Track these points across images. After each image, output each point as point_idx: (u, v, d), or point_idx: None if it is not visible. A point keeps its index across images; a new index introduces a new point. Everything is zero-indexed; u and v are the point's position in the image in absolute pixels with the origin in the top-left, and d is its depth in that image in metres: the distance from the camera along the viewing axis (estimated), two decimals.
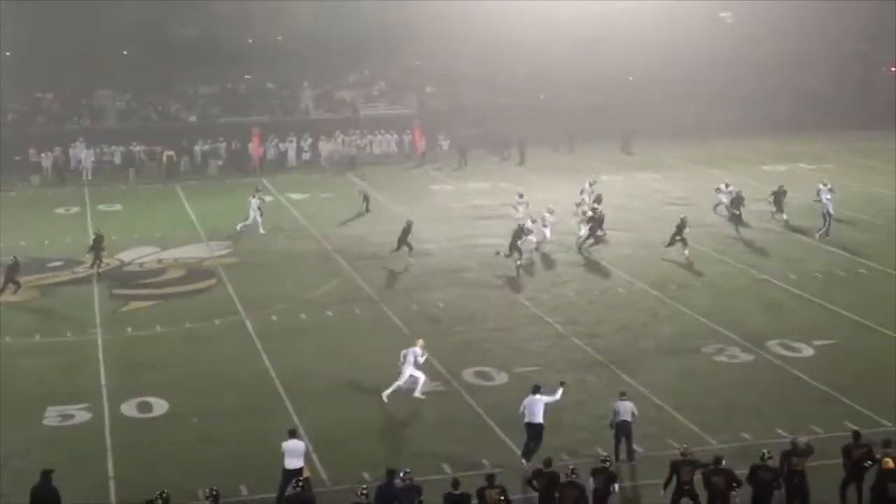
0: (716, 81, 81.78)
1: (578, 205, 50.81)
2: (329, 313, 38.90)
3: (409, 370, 30.75)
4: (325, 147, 71.53)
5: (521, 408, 26.89)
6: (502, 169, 67.44)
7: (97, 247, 43.92)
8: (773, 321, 37.28)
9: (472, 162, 68.55)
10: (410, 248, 44.69)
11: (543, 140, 71.13)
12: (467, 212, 54.43)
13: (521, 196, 51.21)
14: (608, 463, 24.04)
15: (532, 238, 45.30)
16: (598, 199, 50.03)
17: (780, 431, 28.01)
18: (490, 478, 23.16)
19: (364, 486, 22.78)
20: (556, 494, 23.02)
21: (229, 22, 78.40)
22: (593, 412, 29.85)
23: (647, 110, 78.24)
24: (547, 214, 47.57)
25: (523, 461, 26.36)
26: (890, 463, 23.07)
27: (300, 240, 49.60)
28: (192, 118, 75.95)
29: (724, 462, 23.51)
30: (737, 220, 49.18)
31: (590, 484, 23.31)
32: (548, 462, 23.96)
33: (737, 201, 49.95)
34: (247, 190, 55.14)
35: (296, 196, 59.81)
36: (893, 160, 67.11)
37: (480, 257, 45.76)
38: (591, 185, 53.42)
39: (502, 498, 22.55)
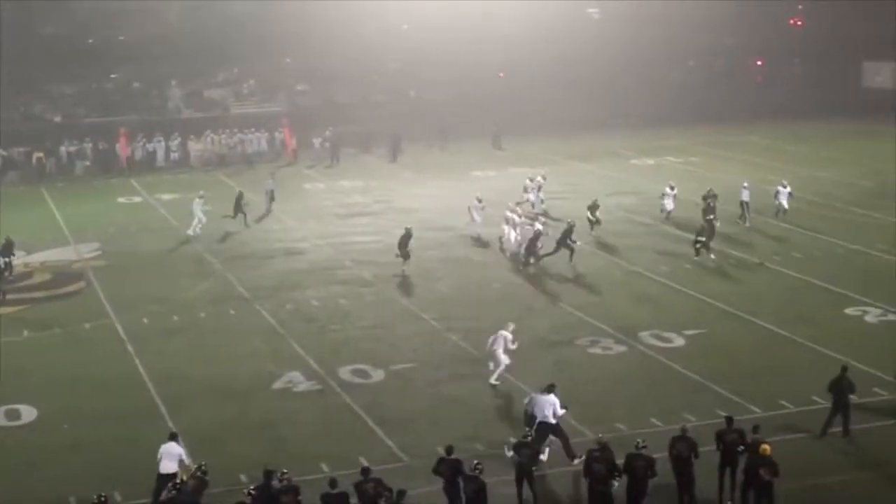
0: (584, 76, 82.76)
1: (520, 203, 49.52)
2: (202, 314, 38.47)
3: (502, 353, 31.29)
4: (194, 146, 70.66)
5: (532, 404, 26.86)
6: (375, 167, 67.36)
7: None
8: (645, 313, 37.88)
9: (345, 160, 68.36)
10: (407, 256, 43.03)
11: (416, 137, 71.22)
12: (340, 210, 54.28)
13: (479, 201, 49.71)
14: (529, 437, 24.75)
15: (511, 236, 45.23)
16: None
17: (654, 421, 28.48)
18: (365, 471, 23.25)
19: (252, 487, 22.60)
20: (461, 484, 23.21)
21: (95, 20, 77.01)
22: (470, 407, 30.03)
23: (518, 106, 78.87)
24: (476, 202, 47.92)
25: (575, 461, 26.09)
26: (767, 449, 23.66)
27: (171, 241, 48.95)
28: (57, 118, 74.39)
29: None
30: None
31: (514, 458, 24.19)
32: (449, 449, 24.16)
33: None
34: (115, 191, 54.20)
35: (165, 197, 59.01)
36: (759, 153, 68.71)
37: (354, 255, 45.71)
38: (531, 180, 52.80)
39: (380, 489, 22.67)
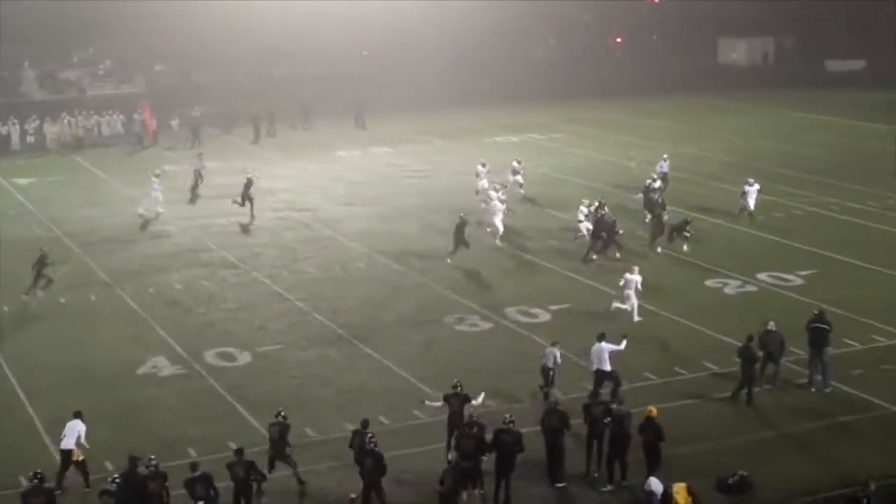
0: (447, 54, 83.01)
1: (504, 186, 48.45)
2: (62, 300, 37.75)
3: (633, 295, 34.23)
4: (50, 129, 69.11)
5: (591, 356, 28.47)
6: (237, 147, 66.69)
7: None
8: (511, 289, 38.23)
9: (206, 140, 67.48)
10: (467, 244, 41.58)
11: (279, 116, 70.63)
12: (203, 191, 53.59)
13: (483, 165, 50.10)
14: (459, 388, 25.44)
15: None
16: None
17: (520, 396, 28.82)
18: (238, 452, 23.21)
19: (116, 475, 22.32)
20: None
21: None
22: (338, 387, 30.05)
23: (381, 84, 78.78)
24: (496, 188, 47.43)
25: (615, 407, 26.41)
26: (653, 411, 24.58)
27: (28, 226, 47.85)
28: None
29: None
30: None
31: (444, 408, 25.29)
32: (365, 423, 24.24)
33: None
34: None
35: (21, 181, 57.64)
36: (621, 129, 69.69)
37: (218, 237, 45.27)
38: (520, 163, 51.56)
39: (250, 474, 22.64)
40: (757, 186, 45.30)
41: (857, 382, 29.36)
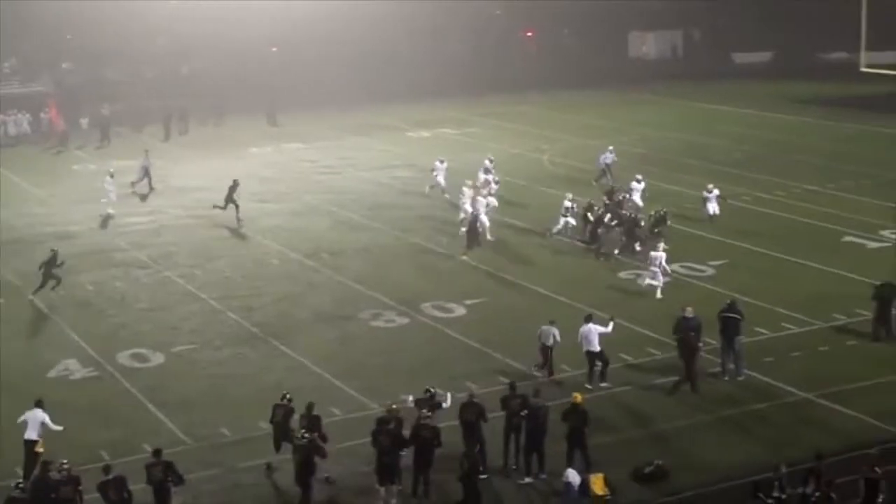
0: (359, 49, 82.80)
1: (478, 186, 47.04)
2: None
3: (659, 273, 35.99)
4: None
5: (579, 337, 29.36)
6: (148, 145, 65.83)
7: None
8: (425, 284, 38.26)
9: (116, 139, 66.65)
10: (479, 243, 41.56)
11: (190, 113, 69.92)
12: (130, 189, 52.82)
13: (441, 162, 50.15)
14: (473, 397, 25.53)
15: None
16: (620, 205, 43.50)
17: (437, 390, 28.79)
18: (156, 453, 22.97)
19: (20, 480, 21.95)
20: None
21: None
22: (253, 385, 29.85)
23: (293, 81, 78.41)
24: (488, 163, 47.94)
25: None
26: (578, 397, 24.98)
27: None
28: None
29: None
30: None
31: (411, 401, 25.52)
32: (310, 406, 24.56)
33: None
34: None
35: None
36: (534, 122, 70.05)
37: (130, 237, 44.74)
38: (491, 162, 50.71)
39: (168, 476, 22.42)
40: (716, 192, 44.59)
41: (768, 370, 29.80)
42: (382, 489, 23.51)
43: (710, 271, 38.75)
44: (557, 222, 42.94)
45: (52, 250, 38.09)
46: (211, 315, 35.62)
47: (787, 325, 33.14)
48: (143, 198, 51.29)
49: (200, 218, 47.03)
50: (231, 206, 46.30)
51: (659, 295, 35.94)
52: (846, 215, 44.47)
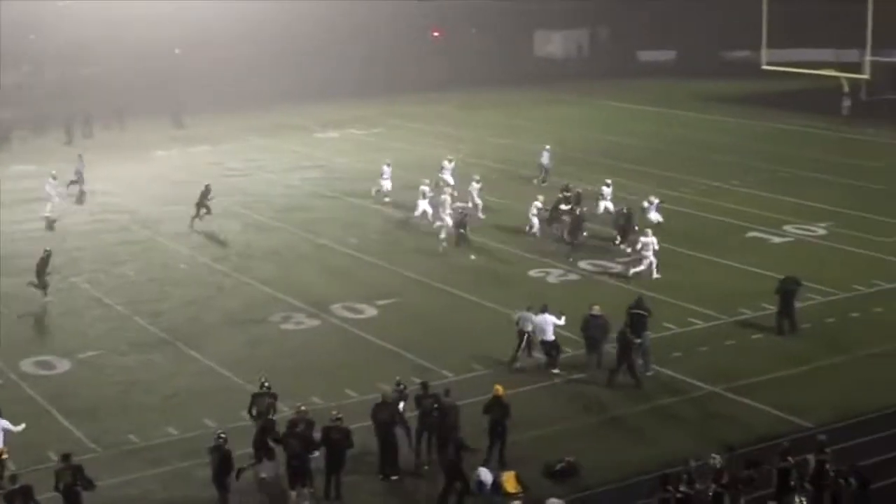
0: (267, 50, 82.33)
1: (437, 185, 47.19)
2: None
3: (651, 255, 37.16)
4: None
5: (531, 326, 30.09)
6: (49, 149, 64.87)
7: None
8: (336, 285, 38.17)
9: (15, 143, 65.51)
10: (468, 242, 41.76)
11: (93, 117, 68.94)
12: (16, 196, 52.03)
13: (388, 165, 49.51)
14: (403, 387, 25.85)
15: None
16: (578, 200, 43.55)
17: (349, 392, 28.81)
18: (65, 457, 22.72)
19: None
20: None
21: None
22: (161, 391, 29.58)
23: (198, 82, 77.75)
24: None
25: (555, 371, 29.90)
26: (499, 389, 25.20)
27: None
28: None
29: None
30: None
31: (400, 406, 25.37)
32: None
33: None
34: None
35: None
36: (443, 122, 70.13)
37: (32, 242, 43.98)
38: (450, 162, 50.25)
39: (77, 480, 22.15)
40: (657, 201, 43.83)
41: (676, 365, 30.15)
42: (294, 492, 23.42)
43: (618, 268, 39.11)
44: (532, 223, 43.09)
45: (46, 250, 38.03)
46: (118, 321, 35.20)
47: (694, 321, 33.57)
48: (80, 201, 50.56)
49: (106, 222, 46.45)
50: (203, 210, 45.70)
51: (657, 275, 37.32)
52: (751, 211, 45.13)
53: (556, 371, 29.97)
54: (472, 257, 40.64)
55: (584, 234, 41.72)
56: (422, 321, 34.47)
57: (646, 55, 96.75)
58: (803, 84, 73.07)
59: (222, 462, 23.10)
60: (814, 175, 52.00)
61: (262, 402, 25.41)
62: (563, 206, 42.87)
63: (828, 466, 21.71)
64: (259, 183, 53.85)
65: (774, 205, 46.46)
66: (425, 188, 45.37)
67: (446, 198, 43.49)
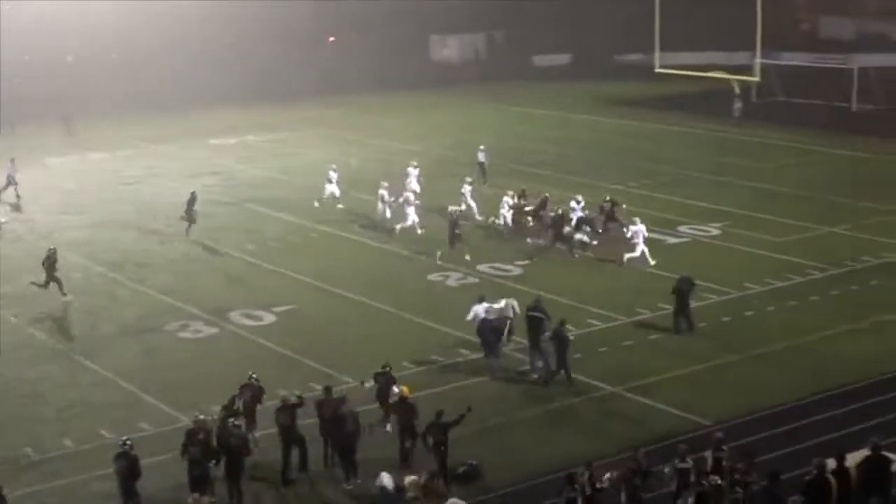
0: (166, 55, 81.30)
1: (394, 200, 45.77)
2: None
3: (642, 243, 38.13)
4: None
5: (472, 316, 30.71)
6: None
7: None
8: (234, 292, 37.83)
9: None
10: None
11: None
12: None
13: (334, 171, 48.75)
14: (388, 368, 26.95)
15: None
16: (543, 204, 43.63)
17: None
18: None
19: None
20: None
21: None
22: (58, 403, 29.05)
23: (92, 89, 76.55)
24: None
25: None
26: (406, 390, 25.41)
27: None
28: None
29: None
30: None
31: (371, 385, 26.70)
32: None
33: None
34: None
35: None
36: (343, 127, 69.80)
37: None
38: (416, 168, 49.03)
39: None
40: (582, 204, 43.45)
41: (576, 366, 30.24)
42: (191, 500, 23.16)
43: (517, 271, 39.26)
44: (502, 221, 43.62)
45: (50, 249, 37.92)
46: (12, 333, 34.44)
47: (593, 322, 33.80)
48: (15, 207, 49.62)
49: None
50: (191, 218, 44.86)
51: (651, 261, 38.38)
52: (646, 212, 45.45)
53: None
54: (467, 258, 40.27)
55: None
56: (321, 327, 34.30)
57: (541, 59, 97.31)
58: (696, 87, 74.01)
59: (130, 468, 22.78)
60: (707, 176, 52.71)
61: (247, 395, 25.95)
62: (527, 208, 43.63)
63: (725, 463, 21.98)
64: (156, 190, 53.09)
65: (669, 206, 47.01)
66: (384, 192, 45.15)
67: (409, 194, 44.41)
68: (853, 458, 21.49)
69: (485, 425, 27.18)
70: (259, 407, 26.12)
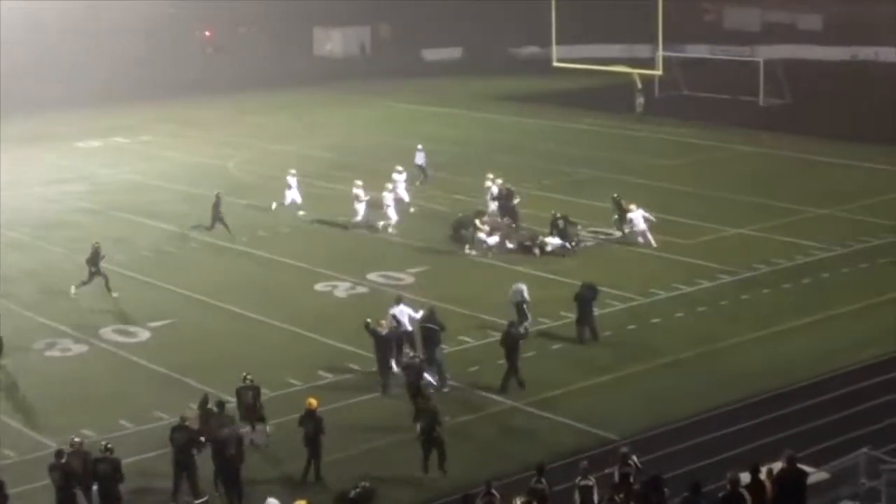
0: (30, 53, 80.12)
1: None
2: None
3: (644, 226, 41.04)
4: None
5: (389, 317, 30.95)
6: None
7: None
8: (103, 307, 37.41)
9: None
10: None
11: None
12: None
13: (293, 175, 48.13)
14: (416, 358, 29.07)
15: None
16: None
17: (123, 423, 28.32)
18: None
19: None
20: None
21: None
22: None
23: None
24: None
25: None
26: (313, 403, 25.81)
27: None
28: None
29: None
30: None
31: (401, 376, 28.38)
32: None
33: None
34: None
35: None
36: (218, 127, 69.39)
37: None
38: (401, 173, 48.24)
39: None
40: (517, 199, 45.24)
41: (474, 380, 30.47)
42: None
43: (409, 279, 39.37)
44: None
45: (95, 244, 38.63)
46: None
47: (493, 332, 33.85)
48: None
49: None
50: (218, 223, 44.64)
51: (654, 244, 41.08)
52: (546, 215, 45.75)
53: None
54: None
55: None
56: (200, 343, 34.11)
57: (430, 53, 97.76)
58: (596, 81, 74.94)
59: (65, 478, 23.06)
60: (609, 176, 53.20)
61: (247, 396, 27.06)
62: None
63: (632, 479, 22.28)
64: (17, 198, 52.19)
65: (569, 208, 47.24)
66: (359, 192, 45.15)
67: (387, 194, 44.93)
68: (767, 471, 21.92)
69: (377, 445, 27.27)
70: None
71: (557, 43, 70.07)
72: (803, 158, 56.74)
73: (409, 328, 31.23)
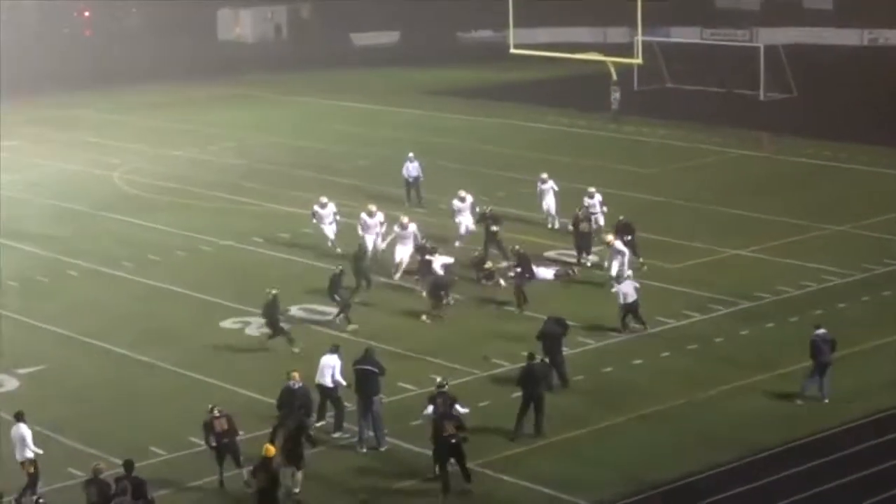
0: None
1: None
2: None
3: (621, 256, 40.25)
4: None
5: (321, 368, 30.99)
6: None
7: None
8: None
9: None
10: None
11: None
12: None
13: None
14: (445, 387, 29.25)
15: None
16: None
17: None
18: None
19: None
20: None
21: None
22: None
23: None
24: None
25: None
26: (270, 449, 26.40)
27: None
28: None
29: None
30: None
31: (429, 410, 28.60)
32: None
33: None
34: None
35: None
36: (96, 128, 69.05)
37: None
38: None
39: None
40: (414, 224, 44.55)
41: (416, 436, 30.08)
42: None
43: (336, 319, 39.04)
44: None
45: None
46: None
47: (438, 378, 33.70)
48: None
49: None
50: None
51: (640, 259, 41.94)
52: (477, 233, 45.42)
53: (336, 435, 30.88)
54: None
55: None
56: (79, 393, 33.89)
57: (362, 38, 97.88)
58: (562, 72, 75.17)
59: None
60: (578, 186, 52.72)
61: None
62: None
63: None
64: None
65: (529, 227, 47.17)
66: (319, 209, 45.24)
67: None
68: None
69: None
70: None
71: (515, 25, 70.14)
72: (812, 164, 57.06)
73: (330, 384, 30.80)
